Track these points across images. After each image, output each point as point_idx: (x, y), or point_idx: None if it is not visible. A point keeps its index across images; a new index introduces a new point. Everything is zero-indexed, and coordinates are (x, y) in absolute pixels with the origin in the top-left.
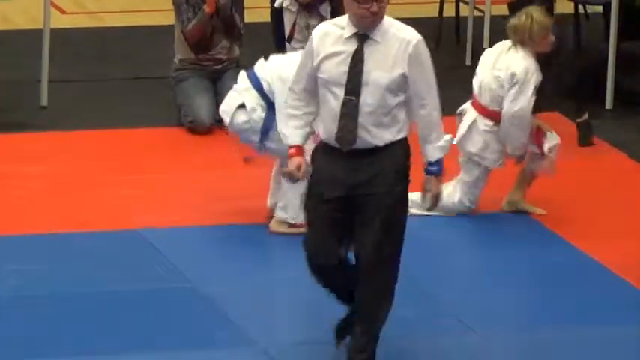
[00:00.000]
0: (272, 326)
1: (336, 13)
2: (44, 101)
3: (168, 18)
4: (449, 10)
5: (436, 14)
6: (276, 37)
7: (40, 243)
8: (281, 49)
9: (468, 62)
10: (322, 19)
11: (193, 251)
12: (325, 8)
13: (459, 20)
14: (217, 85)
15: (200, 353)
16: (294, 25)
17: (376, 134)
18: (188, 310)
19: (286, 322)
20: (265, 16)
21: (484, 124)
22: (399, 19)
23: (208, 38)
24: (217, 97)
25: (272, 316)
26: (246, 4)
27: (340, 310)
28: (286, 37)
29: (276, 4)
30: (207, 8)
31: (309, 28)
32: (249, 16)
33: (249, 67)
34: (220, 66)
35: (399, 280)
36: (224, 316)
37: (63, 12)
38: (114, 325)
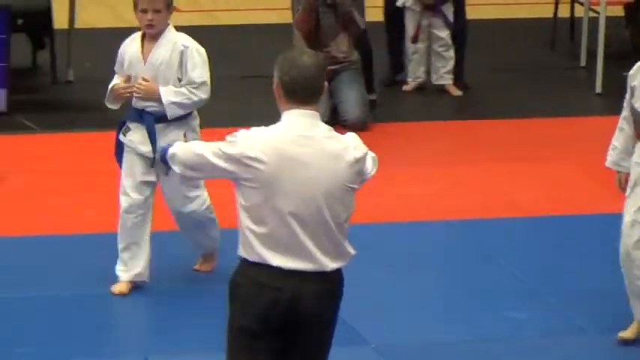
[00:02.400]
0: (382, 325)
1: (457, 13)
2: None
3: (281, 16)
4: (564, 11)
5: (551, 15)
6: (390, 37)
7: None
8: (395, 48)
9: (582, 63)
10: (445, 19)
11: None
12: (448, 7)
13: (573, 21)
14: (332, 85)
15: None
16: (418, 26)
17: None
18: None
19: (396, 320)
20: (376, 16)
21: None
22: (513, 19)
23: (321, 32)
24: (332, 99)
25: (382, 315)
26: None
27: (456, 308)
28: (410, 37)
29: (398, 4)
30: None
31: (431, 28)
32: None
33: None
34: (337, 66)
35: (512, 283)
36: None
37: (178, 10)
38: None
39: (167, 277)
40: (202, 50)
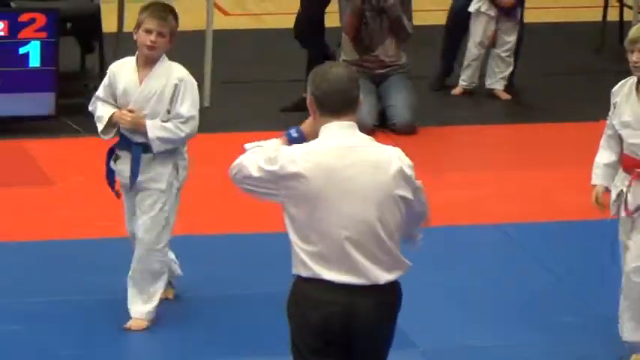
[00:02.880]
0: (430, 328)
1: (522, 15)
2: (207, 102)
3: (330, 19)
4: (613, 15)
5: (600, 19)
6: (449, 42)
7: (205, 243)
8: (451, 53)
9: None
10: (517, 22)
11: None
12: (518, 11)
13: (622, 24)
14: (380, 88)
15: None
16: (495, 31)
17: None
18: None
19: (444, 324)
20: (430, 20)
21: None
22: (562, 23)
23: (369, 36)
24: (380, 102)
25: (430, 318)
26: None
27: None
28: (477, 43)
29: (470, 9)
30: None
31: (500, 32)
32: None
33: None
34: (385, 70)
35: (560, 288)
36: None
37: (226, 13)
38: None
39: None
40: (195, 83)
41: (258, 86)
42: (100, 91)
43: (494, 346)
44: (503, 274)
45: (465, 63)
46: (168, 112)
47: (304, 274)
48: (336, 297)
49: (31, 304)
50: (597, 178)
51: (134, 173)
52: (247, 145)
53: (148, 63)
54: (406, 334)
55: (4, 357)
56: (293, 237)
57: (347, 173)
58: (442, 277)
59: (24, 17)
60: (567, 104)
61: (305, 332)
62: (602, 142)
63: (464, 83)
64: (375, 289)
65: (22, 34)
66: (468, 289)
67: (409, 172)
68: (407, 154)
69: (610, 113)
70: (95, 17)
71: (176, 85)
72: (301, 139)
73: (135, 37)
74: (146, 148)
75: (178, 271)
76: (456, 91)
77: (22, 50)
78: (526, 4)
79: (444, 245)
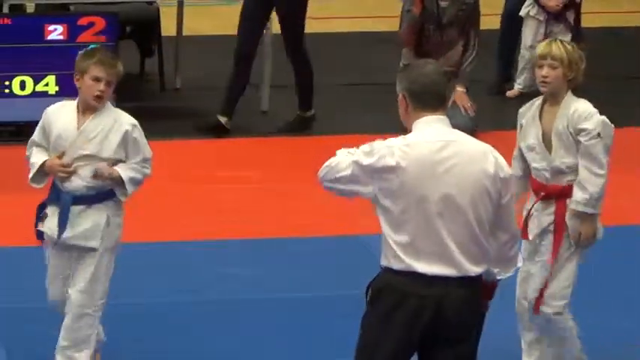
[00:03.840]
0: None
1: (575, 22)
2: (265, 106)
3: (391, 25)
4: None
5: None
6: (504, 46)
7: (255, 247)
8: (508, 58)
9: None
10: (568, 25)
11: None
12: (570, 15)
13: None
14: None
15: None
16: (546, 34)
17: None
18: None
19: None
20: (486, 24)
21: None
22: (615, 28)
23: (430, 48)
24: None
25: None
26: None
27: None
28: (533, 45)
29: (521, 13)
30: (414, 9)
31: (551, 35)
32: None
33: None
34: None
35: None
36: None
37: None
38: (329, 331)
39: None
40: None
41: (318, 91)
42: (35, 135)
43: None
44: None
45: (520, 67)
46: (120, 160)
47: (396, 266)
48: (429, 290)
49: None
50: None
51: (62, 224)
52: (338, 151)
53: (89, 109)
54: None
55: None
56: (386, 229)
57: (444, 165)
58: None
59: (83, 21)
60: (625, 108)
61: (390, 325)
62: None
63: (519, 87)
64: (466, 281)
65: (81, 38)
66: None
67: (505, 170)
68: None
69: (517, 133)
70: (154, 21)
71: (127, 131)
72: None
73: (77, 83)
74: (77, 198)
75: (102, 335)
76: (512, 93)
77: None
78: (585, 9)
79: None
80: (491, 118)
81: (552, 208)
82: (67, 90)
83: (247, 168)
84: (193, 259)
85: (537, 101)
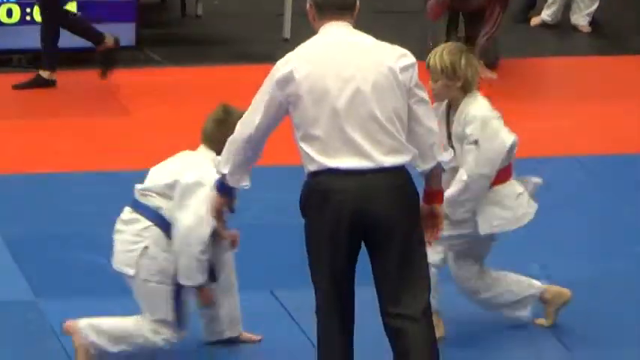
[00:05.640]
0: (513, 262)
1: None
2: (286, 34)
3: None
4: None
5: None
6: None
7: (281, 173)
8: None
9: None
10: None
11: None
12: None
13: None
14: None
15: None
16: None
17: None
18: None
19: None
20: None
21: None
22: None
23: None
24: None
25: (510, 251)
26: None
27: None
28: None
29: None
30: None
31: None
32: None
33: None
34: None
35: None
36: None
37: None
38: None
39: None
40: None
41: None
42: None
43: (575, 280)
44: (584, 206)
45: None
46: None
47: (313, 168)
48: (346, 184)
49: None
50: None
51: None
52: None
53: None
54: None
55: (86, 283)
56: (297, 137)
57: (345, 60)
58: None
59: None
60: None
61: (321, 226)
62: None
63: (548, 19)
64: (381, 172)
65: None
66: (549, 221)
67: (411, 64)
68: (490, 86)
69: None
70: None
71: None
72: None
73: None
74: None
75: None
76: (535, 21)
77: None
78: None
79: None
80: (517, 47)
81: None
82: (90, 15)
83: None
84: None
85: (443, 106)
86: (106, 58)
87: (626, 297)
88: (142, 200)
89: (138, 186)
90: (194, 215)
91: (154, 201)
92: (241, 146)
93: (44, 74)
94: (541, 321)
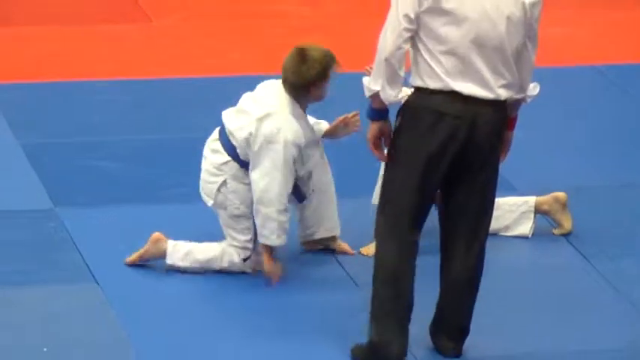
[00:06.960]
0: (534, 173)
1: None
2: None
3: None
4: None
5: None
6: None
7: None
8: None
9: None
10: None
11: None
12: None
13: None
14: None
15: None
16: None
17: None
18: None
19: (546, 167)
20: None
21: None
22: None
23: None
24: None
25: (532, 162)
26: None
27: None
28: None
29: None
30: None
31: None
32: None
33: None
34: None
35: None
36: None
37: None
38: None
39: None
40: None
41: None
42: None
43: (594, 186)
44: (602, 115)
45: None
46: None
47: (432, 85)
48: (463, 108)
49: (135, 141)
50: None
51: None
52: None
53: None
54: (508, 181)
55: (104, 192)
56: (421, 49)
57: None
58: (541, 120)
59: None
60: None
61: (428, 142)
62: None
63: None
64: (495, 103)
65: None
66: (568, 132)
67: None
68: None
69: None
70: None
71: None
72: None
73: None
74: None
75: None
76: None
77: None
78: None
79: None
80: None
81: None
82: None
83: (291, 2)
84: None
85: None
86: None
87: None
88: (227, 126)
89: (225, 115)
90: (268, 177)
91: (233, 140)
92: (384, 64)
93: None
94: (558, 230)
